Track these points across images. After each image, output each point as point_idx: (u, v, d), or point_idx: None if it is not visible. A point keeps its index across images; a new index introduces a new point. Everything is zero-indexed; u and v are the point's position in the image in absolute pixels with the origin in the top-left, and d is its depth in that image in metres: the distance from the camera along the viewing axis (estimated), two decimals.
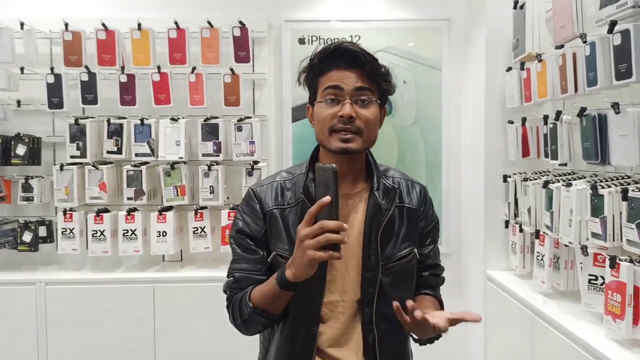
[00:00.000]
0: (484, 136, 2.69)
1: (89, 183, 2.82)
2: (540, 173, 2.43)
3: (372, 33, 2.98)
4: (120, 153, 2.84)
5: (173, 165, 2.82)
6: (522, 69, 2.43)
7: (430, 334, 1.13)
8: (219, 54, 2.82)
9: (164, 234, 2.82)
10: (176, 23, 2.80)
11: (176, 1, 2.98)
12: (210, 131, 2.83)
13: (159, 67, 2.82)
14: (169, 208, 2.87)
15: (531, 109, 2.49)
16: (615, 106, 1.69)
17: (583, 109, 1.89)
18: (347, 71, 1.17)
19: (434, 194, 1.39)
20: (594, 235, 1.81)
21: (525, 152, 2.48)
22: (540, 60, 2.23)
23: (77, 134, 2.82)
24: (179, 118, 2.83)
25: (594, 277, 1.85)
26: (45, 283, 2.73)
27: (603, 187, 1.77)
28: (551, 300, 2.17)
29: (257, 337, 1.32)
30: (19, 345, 2.72)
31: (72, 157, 2.82)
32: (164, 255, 3.02)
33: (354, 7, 3.00)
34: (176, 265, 3.00)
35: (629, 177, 1.85)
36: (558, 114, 2.08)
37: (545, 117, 2.22)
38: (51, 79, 2.81)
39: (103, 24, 2.80)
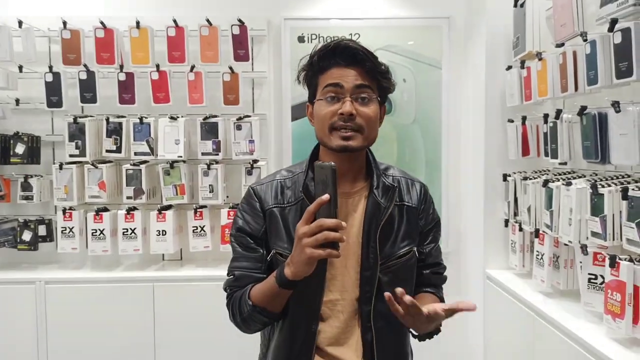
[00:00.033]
0: (484, 135, 2.68)
1: (88, 182, 2.82)
2: (540, 172, 2.42)
3: (372, 31, 2.97)
4: (120, 152, 2.84)
5: (172, 164, 2.82)
6: (522, 67, 2.43)
7: (427, 327, 1.12)
8: (218, 52, 2.82)
9: (164, 232, 2.81)
10: (175, 21, 2.80)
11: None
12: (210, 130, 2.83)
13: (157, 66, 2.81)
14: (169, 207, 2.86)
15: (531, 108, 2.49)
16: (616, 105, 1.69)
17: (583, 108, 1.88)
18: (347, 69, 1.17)
19: (434, 192, 1.38)
20: (594, 234, 1.80)
21: (525, 151, 2.48)
22: (540, 59, 2.23)
23: (76, 132, 2.81)
24: (178, 117, 2.82)
25: (593, 276, 1.85)
26: (45, 282, 2.73)
27: (603, 186, 1.77)
28: (551, 300, 2.17)
29: (256, 335, 1.32)
30: (18, 344, 2.72)
31: (71, 156, 2.82)
32: (163, 254, 3.01)
33: (354, 5, 2.99)
34: (176, 264, 3.00)
35: (629, 176, 1.85)
36: (558, 112, 2.08)
37: (546, 116, 2.22)
38: (50, 78, 2.81)
39: (101, 22, 2.79)
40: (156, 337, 2.73)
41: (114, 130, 2.84)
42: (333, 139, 1.17)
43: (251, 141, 2.83)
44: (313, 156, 1.28)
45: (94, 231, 2.81)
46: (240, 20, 2.83)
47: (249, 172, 2.86)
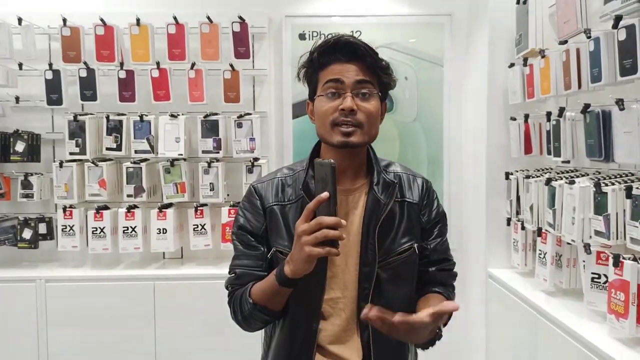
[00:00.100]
0: (486, 133, 2.67)
1: (88, 180, 2.81)
2: (543, 170, 2.41)
3: (373, 28, 2.96)
4: (120, 150, 2.83)
5: (173, 162, 2.81)
6: (524, 64, 2.41)
7: (420, 337, 1.05)
8: (219, 49, 2.81)
9: (164, 231, 2.80)
10: (175, 18, 2.78)
11: None
12: (210, 128, 2.82)
13: (158, 63, 2.80)
14: (169, 205, 2.86)
15: (534, 106, 2.47)
16: (620, 102, 1.67)
17: (587, 106, 1.87)
18: (347, 64, 1.16)
19: (436, 190, 1.37)
20: (597, 233, 1.79)
21: (528, 149, 2.46)
22: (543, 56, 2.21)
23: (77, 130, 2.81)
24: (178, 114, 2.81)
25: (596, 276, 1.83)
26: (45, 280, 2.72)
27: (607, 185, 1.75)
28: (553, 299, 2.15)
29: (258, 333, 1.32)
30: (19, 343, 2.71)
31: (71, 153, 2.81)
32: (164, 253, 3.01)
33: (355, 2, 2.98)
34: (176, 263, 2.99)
35: (632, 174, 1.83)
36: (561, 110, 2.06)
37: (548, 114, 2.20)
38: (50, 75, 2.80)
39: (101, 19, 2.78)
40: (157, 335, 2.73)
41: (114, 128, 2.83)
42: (334, 134, 1.16)
43: (252, 139, 2.82)
44: (314, 154, 1.27)
45: (95, 229, 2.80)
46: (240, 18, 2.82)
47: (250, 170, 2.85)
